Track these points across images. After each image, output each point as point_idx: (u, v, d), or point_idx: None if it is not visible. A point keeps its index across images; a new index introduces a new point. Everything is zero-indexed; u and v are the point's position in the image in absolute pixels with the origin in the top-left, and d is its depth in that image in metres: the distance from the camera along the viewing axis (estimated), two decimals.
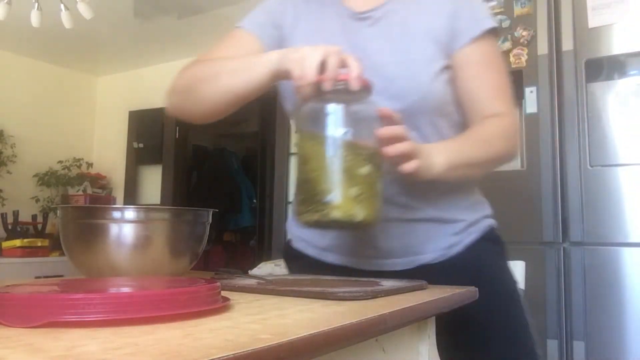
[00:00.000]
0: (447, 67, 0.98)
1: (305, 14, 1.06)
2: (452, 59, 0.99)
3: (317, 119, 0.78)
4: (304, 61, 0.78)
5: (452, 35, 0.98)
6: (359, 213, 0.74)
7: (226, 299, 0.59)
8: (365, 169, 0.75)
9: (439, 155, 0.85)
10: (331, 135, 0.75)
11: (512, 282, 1.01)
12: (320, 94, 0.77)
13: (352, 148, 0.75)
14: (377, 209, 0.77)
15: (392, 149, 0.77)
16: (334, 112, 0.77)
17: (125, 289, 0.60)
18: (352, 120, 0.77)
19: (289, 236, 1.11)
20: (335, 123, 0.76)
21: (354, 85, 0.76)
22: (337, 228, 0.76)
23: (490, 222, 1.06)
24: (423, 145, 0.85)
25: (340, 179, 0.74)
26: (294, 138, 0.93)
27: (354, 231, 0.92)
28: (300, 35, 1.04)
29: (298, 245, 1.07)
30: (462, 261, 0.97)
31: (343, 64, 0.78)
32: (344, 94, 0.77)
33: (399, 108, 0.87)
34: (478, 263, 0.98)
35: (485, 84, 1.00)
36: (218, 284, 0.58)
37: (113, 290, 0.61)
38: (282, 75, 0.85)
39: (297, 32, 1.05)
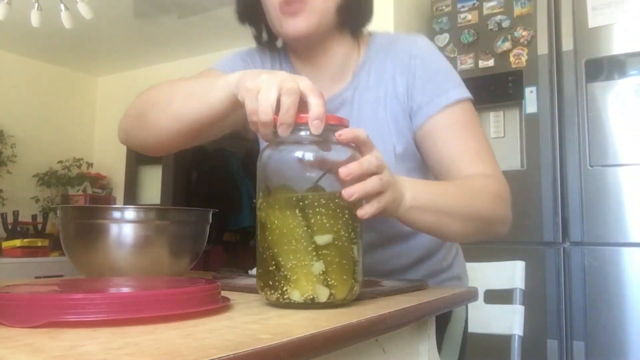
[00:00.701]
0: (409, 152, 0.93)
1: None
2: (415, 136, 0.92)
3: (275, 170, 0.62)
4: (258, 94, 0.62)
5: (409, 116, 0.92)
6: (322, 293, 0.58)
7: (226, 299, 0.59)
8: (327, 237, 0.58)
9: (406, 189, 0.70)
10: (291, 191, 0.60)
11: None
12: (278, 137, 0.62)
13: (311, 207, 0.58)
14: (349, 284, 0.59)
15: (354, 191, 0.59)
16: (293, 162, 0.61)
17: (126, 289, 0.60)
18: (318, 171, 0.61)
19: None
20: (296, 176, 0.61)
21: (313, 129, 0.60)
22: (304, 308, 0.58)
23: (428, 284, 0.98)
24: (396, 177, 0.69)
25: (298, 250, 0.58)
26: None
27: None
28: None
29: None
30: None
31: (304, 101, 0.63)
32: (309, 137, 0.61)
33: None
34: None
35: (458, 148, 0.88)
36: (218, 284, 0.58)
37: (113, 290, 0.61)
38: (241, 103, 0.69)
39: None
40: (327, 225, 0.59)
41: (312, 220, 0.58)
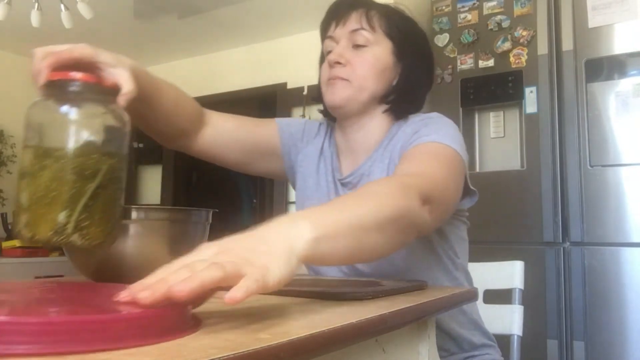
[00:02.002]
0: None
1: (307, 159, 1.09)
2: None
3: (35, 123, 0.67)
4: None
5: None
6: (24, 227, 0.63)
7: (197, 320, 0.46)
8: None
9: (299, 226, 0.56)
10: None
11: None
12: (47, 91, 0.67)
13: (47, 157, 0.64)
14: (50, 225, 0.62)
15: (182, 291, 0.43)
16: (51, 116, 0.66)
17: (57, 312, 0.45)
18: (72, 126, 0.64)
19: None
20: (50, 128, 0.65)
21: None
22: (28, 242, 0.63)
23: None
24: (254, 232, 0.54)
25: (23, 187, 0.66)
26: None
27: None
28: (300, 180, 1.09)
29: None
30: None
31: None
32: (74, 95, 0.65)
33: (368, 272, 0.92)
34: None
35: (411, 159, 0.88)
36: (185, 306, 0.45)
37: (50, 313, 0.44)
38: None
39: (298, 174, 1.09)
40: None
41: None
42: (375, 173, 0.98)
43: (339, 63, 0.98)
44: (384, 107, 1.02)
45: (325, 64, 1.01)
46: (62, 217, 0.62)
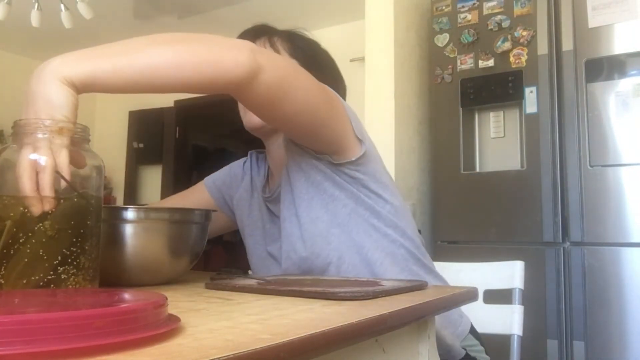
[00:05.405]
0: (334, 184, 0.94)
1: (241, 201, 1.14)
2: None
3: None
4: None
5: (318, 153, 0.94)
6: None
7: (176, 320, 0.44)
8: None
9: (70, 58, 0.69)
10: None
11: None
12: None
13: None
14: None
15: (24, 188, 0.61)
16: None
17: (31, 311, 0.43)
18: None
19: None
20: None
21: None
22: None
23: None
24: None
25: None
26: None
27: None
28: (240, 222, 1.15)
29: None
30: None
31: None
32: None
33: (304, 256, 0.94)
34: None
35: None
36: (161, 299, 0.43)
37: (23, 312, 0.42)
38: None
39: (237, 217, 1.15)
40: None
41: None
42: (298, 178, 0.96)
43: None
44: None
45: None
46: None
